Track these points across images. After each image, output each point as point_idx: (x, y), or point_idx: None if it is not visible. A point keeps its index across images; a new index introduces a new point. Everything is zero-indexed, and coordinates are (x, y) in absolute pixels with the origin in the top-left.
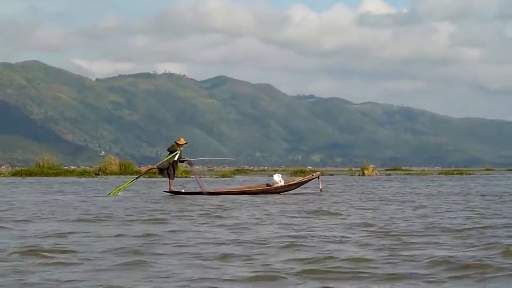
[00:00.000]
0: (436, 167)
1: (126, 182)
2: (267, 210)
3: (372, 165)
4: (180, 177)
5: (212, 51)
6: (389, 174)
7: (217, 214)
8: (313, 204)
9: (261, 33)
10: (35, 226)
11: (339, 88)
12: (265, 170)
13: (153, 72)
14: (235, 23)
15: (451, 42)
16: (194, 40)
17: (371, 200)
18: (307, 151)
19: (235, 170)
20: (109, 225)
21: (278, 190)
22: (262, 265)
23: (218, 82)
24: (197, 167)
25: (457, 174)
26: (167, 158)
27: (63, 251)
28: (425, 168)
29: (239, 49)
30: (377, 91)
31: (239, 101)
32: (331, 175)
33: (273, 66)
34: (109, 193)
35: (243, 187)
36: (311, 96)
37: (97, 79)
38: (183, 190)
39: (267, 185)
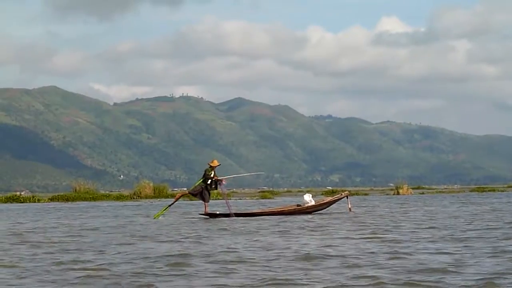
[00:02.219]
0: (456, 185)
1: (163, 207)
2: None
3: (406, 185)
4: (213, 199)
5: (229, 74)
6: (422, 193)
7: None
8: None
9: (278, 54)
10: None
11: (357, 108)
12: (291, 191)
13: (171, 96)
14: (252, 45)
15: (469, 59)
16: (211, 62)
17: None
18: (326, 172)
19: (259, 192)
20: None
21: (309, 210)
22: None
23: (236, 104)
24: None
25: (489, 191)
26: (199, 182)
27: None
28: (446, 186)
29: (256, 71)
30: (395, 110)
31: (257, 122)
32: (366, 194)
33: (290, 87)
34: (154, 217)
35: (274, 209)
36: (329, 117)
37: (115, 104)
38: (218, 212)
39: (297, 205)
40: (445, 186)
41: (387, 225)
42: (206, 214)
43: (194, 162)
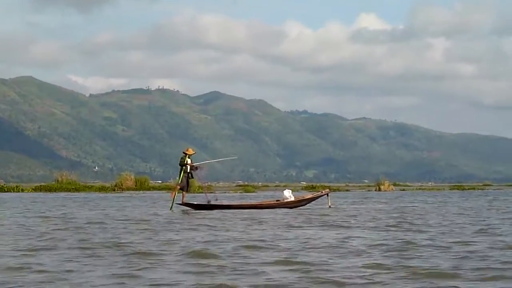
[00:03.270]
0: (430, 183)
1: (171, 201)
2: None
3: (387, 181)
4: (195, 192)
5: (206, 67)
6: (403, 190)
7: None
8: None
9: (255, 49)
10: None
11: (333, 104)
12: (268, 186)
13: (147, 88)
14: (230, 39)
15: (446, 58)
16: (188, 56)
17: None
18: (300, 167)
19: (235, 186)
20: None
21: (289, 205)
22: None
23: (212, 97)
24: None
25: (468, 189)
26: (182, 175)
27: None
28: (421, 184)
29: (233, 65)
30: (371, 107)
31: (233, 116)
32: (347, 190)
33: (267, 82)
34: (170, 209)
35: (253, 202)
36: (305, 112)
37: (90, 95)
38: (195, 203)
39: (277, 200)
40: (420, 184)
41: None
42: (183, 204)
43: (169, 155)
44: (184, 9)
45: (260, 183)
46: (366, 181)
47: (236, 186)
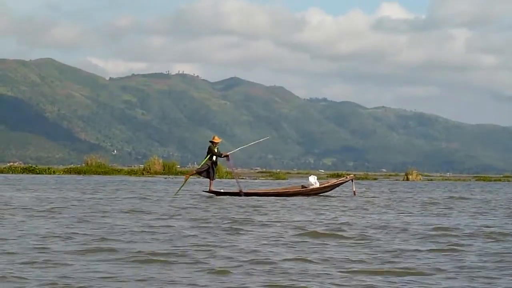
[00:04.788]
0: (448, 173)
1: (180, 186)
2: None
3: (415, 170)
4: (224, 178)
5: (226, 53)
6: (430, 180)
7: None
8: None
9: (276, 35)
10: None
11: (353, 92)
12: (290, 173)
13: (167, 72)
14: (251, 25)
15: (468, 48)
16: (209, 41)
17: None
18: (318, 155)
19: (257, 172)
20: None
21: (314, 192)
22: None
23: (232, 83)
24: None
25: (494, 180)
26: (204, 161)
27: None
28: (441, 174)
29: (254, 51)
30: (391, 96)
31: (252, 103)
32: (374, 179)
33: (287, 69)
34: (174, 195)
35: (279, 189)
36: (324, 100)
37: (110, 78)
38: (222, 190)
39: (302, 186)
40: (440, 174)
41: None
42: (210, 191)
43: (188, 140)
44: None
45: (278, 170)
46: (384, 170)
47: (258, 172)
